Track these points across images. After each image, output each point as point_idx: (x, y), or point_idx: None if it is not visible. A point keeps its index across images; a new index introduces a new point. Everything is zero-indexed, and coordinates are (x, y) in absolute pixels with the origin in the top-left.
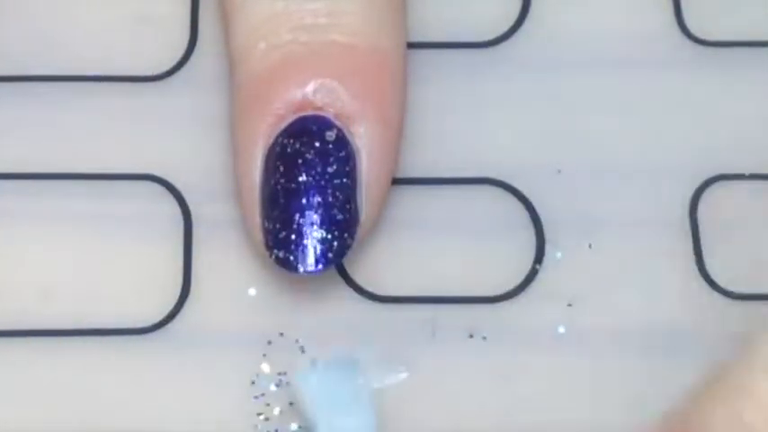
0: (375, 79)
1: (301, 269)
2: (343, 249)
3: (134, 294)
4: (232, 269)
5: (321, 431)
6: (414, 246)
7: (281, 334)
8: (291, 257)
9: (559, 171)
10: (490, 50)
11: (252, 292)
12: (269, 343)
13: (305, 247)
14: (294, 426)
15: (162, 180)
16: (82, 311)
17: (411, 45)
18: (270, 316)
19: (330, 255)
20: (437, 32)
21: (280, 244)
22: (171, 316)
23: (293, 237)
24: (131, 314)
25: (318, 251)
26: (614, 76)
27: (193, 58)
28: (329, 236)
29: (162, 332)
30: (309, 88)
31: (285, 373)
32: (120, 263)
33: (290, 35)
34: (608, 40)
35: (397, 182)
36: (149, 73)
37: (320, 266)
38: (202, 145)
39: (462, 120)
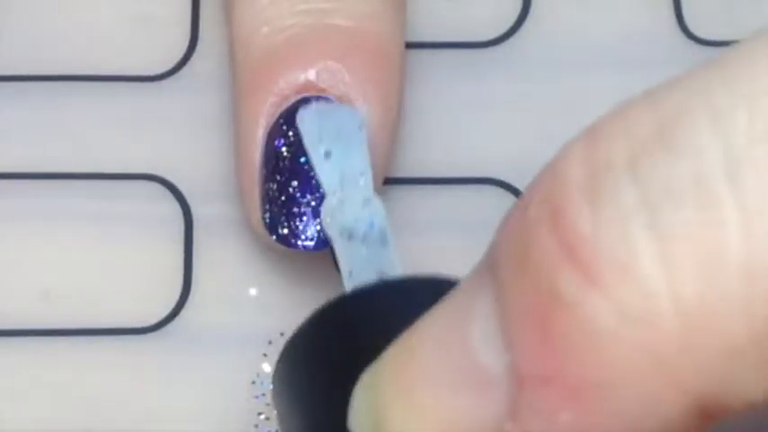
0: (377, 63)
1: (301, 246)
2: None
3: (134, 294)
4: (232, 269)
5: (318, 161)
6: (414, 246)
7: (282, 334)
8: (292, 237)
9: None
10: (490, 50)
11: (252, 292)
12: (269, 343)
13: (306, 224)
14: None
15: (162, 180)
16: (82, 311)
17: (411, 45)
18: (270, 316)
19: None
20: (437, 32)
21: (279, 223)
22: (171, 316)
23: (293, 216)
24: (131, 314)
25: (320, 231)
26: (614, 76)
27: (193, 58)
28: None
29: (162, 332)
30: (312, 70)
31: None
32: (120, 263)
33: (293, 19)
34: (608, 40)
35: (397, 182)
36: (149, 73)
37: (320, 243)
38: (202, 145)
39: (462, 120)
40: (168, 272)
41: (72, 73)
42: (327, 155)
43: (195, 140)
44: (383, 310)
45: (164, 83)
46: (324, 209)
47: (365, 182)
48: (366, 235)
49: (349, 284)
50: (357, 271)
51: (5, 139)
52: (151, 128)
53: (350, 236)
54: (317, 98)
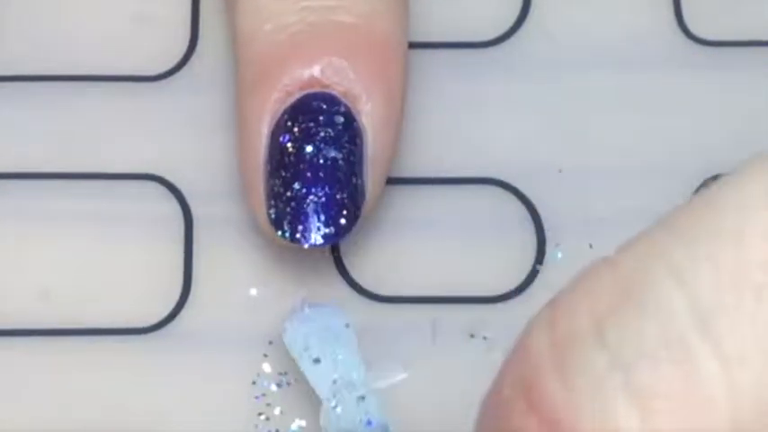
0: (381, 60)
1: (306, 244)
2: (349, 224)
3: (134, 294)
4: (232, 269)
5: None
6: (414, 246)
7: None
8: (297, 232)
9: (560, 171)
10: (490, 50)
11: (252, 292)
12: (270, 343)
13: (311, 221)
14: (295, 426)
15: (162, 180)
16: (82, 311)
17: (411, 45)
18: (270, 316)
19: (336, 229)
20: (437, 32)
21: (285, 219)
22: (171, 316)
23: (299, 211)
24: (131, 314)
25: (324, 225)
26: (614, 76)
27: (193, 58)
28: (335, 210)
29: (162, 332)
30: (317, 66)
31: (286, 373)
32: (120, 263)
33: (296, 16)
34: (608, 40)
35: (397, 182)
36: (149, 73)
37: (326, 241)
38: (202, 145)
39: (462, 120)
40: (168, 272)
41: (72, 73)
42: (316, 361)
43: (195, 140)
44: None
45: (164, 83)
46: (321, 416)
47: (358, 377)
48: None
49: None
50: None
51: (6, 139)
52: (151, 128)
53: None
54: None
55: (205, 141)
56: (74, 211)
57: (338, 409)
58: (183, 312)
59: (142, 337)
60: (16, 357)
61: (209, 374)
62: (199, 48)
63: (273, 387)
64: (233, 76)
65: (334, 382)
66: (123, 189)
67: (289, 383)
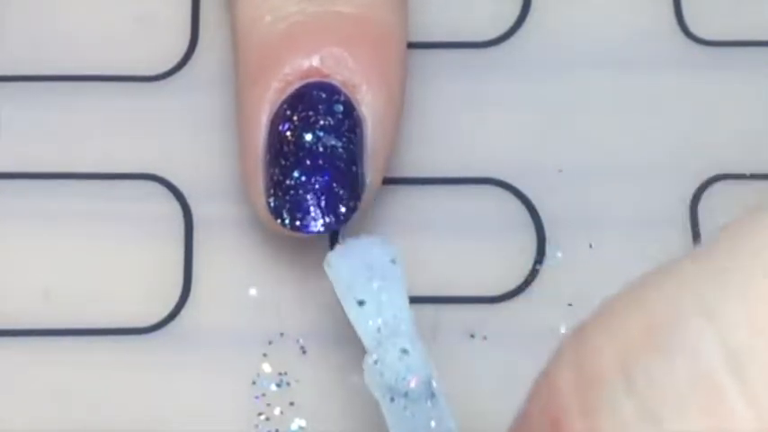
0: (380, 51)
1: (306, 232)
2: (349, 213)
3: (134, 294)
4: (232, 269)
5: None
6: (414, 245)
7: (282, 334)
8: (296, 220)
9: (560, 171)
10: (490, 50)
11: (252, 292)
12: (269, 343)
13: (310, 209)
14: (295, 426)
15: (162, 180)
16: (82, 311)
17: (411, 45)
18: (270, 316)
19: (335, 217)
20: (437, 32)
21: (285, 208)
22: (171, 316)
23: (298, 200)
24: (131, 314)
25: (323, 213)
26: (614, 76)
27: (193, 59)
28: (335, 198)
29: (162, 332)
30: (316, 56)
31: (286, 373)
32: (120, 263)
33: (296, 7)
34: (608, 40)
35: (397, 182)
36: (149, 73)
37: (325, 229)
38: (202, 145)
39: (462, 120)
40: (168, 272)
41: (72, 73)
42: (361, 303)
43: (195, 140)
44: None
45: (164, 83)
46: (365, 372)
47: (406, 326)
48: (409, 393)
49: None
50: None
51: (6, 139)
52: (151, 128)
53: (392, 397)
54: (343, 238)
55: (205, 141)
56: (74, 211)
57: (379, 365)
58: (183, 312)
59: (142, 337)
60: (16, 357)
61: (209, 374)
62: (199, 48)
63: (273, 387)
64: (233, 76)
65: (378, 330)
66: (123, 189)
67: (288, 383)
